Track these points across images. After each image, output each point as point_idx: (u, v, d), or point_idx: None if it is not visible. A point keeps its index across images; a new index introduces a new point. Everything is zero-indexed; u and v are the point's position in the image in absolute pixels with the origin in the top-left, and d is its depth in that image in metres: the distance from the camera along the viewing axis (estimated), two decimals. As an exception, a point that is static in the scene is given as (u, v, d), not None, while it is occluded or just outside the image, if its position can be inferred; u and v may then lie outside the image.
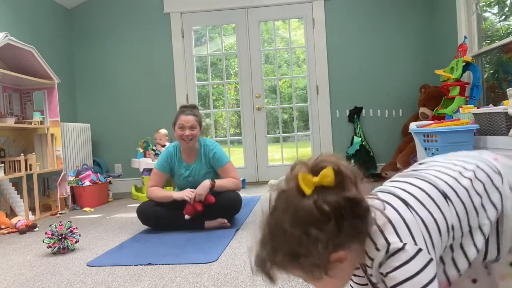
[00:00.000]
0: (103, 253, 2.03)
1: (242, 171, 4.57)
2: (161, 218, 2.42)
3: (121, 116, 4.65)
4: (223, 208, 2.42)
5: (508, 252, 0.87)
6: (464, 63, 3.31)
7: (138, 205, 2.56)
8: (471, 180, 0.84)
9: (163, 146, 4.00)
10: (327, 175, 0.73)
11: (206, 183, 2.36)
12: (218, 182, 2.41)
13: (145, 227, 2.55)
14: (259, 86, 4.56)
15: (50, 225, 2.09)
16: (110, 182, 3.96)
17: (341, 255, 0.74)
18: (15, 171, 3.07)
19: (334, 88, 4.46)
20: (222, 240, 2.11)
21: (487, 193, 0.84)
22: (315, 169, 0.74)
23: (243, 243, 2.04)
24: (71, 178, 3.64)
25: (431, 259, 0.74)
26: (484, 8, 3.56)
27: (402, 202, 0.80)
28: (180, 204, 2.50)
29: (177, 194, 2.39)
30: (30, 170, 3.14)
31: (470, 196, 0.83)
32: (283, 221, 0.73)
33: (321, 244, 0.70)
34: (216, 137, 4.86)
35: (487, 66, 3.57)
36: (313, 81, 4.49)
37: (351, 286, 0.97)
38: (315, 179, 0.73)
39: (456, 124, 2.79)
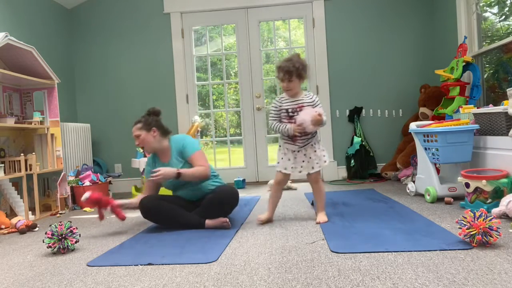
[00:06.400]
0: (103, 253, 2.03)
1: (242, 171, 4.58)
2: (161, 212, 2.42)
3: (121, 116, 4.64)
4: (220, 203, 2.43)
5: None
6: (464, 63, 3.31)
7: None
8: None
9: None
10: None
11: (172, 170, 2.37)
12: (184, 171, 2.41)
13: (146, 227, 2.56)
14: (259, 86, 4.56)
15: (50, 225, 2.09)
16: (110, 182, 3.96)
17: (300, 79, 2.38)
18: (15, 171, 3.07)
19: (334, 88, 4.46)
20: (222, 240, 2.10)
21: None
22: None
23: (243, 243, 2.04)
24: (71, 178, 3.64)
25: None
26: (484, 8, 3.56)
27: None
28: (180, 202, 2.53)
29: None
30: (30, 170, 3.14)
31: None
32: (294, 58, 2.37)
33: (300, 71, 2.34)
34: (216, 137, 4.86)
35: (487, 66, 3.57)
36: (313, 81, 4.49)
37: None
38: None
39: (456, 124, 2.79)
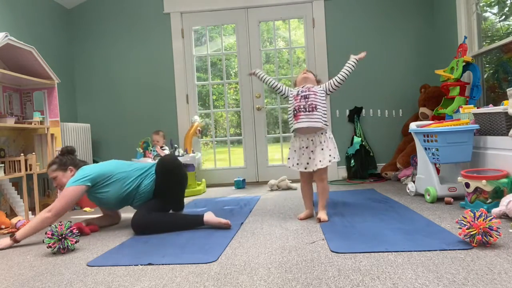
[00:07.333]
0: (103, 253, 2.03)
1: (242, 171, 4.58)
2: (154, 227, 2.36)
3: (121, 116, 4.65)
4: (168, 179, 2.51)
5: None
6: (464, 63, 3.31)
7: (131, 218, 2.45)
8: None
9: (161, 147, 4.01)
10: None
11: (6, 240, 2.29)
12: (18, 233, 2.28)
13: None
14: (259, 86, 4.56)
15: (50, 225, 2.09)
16: (110, 182, 3.95)
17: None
18: (15, 171, 3.07)
19: (334, 88, 4.46)
20: (222, 240, 2.10)
21: None
22: None
23: (243, 243, 2.04)
24: (71, 178, 3.63)
25: None
26: (484, 8, 3.56)
27: None
28: (171, 208, 2.58)
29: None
30: (30, 170, 3.14)
31: None
32: None
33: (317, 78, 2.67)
34: (216, 137, 4.87)
35: (487, 66, 3.57)
36: (313, 81, 4.49)
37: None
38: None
39: (456, 124, 2.79)
